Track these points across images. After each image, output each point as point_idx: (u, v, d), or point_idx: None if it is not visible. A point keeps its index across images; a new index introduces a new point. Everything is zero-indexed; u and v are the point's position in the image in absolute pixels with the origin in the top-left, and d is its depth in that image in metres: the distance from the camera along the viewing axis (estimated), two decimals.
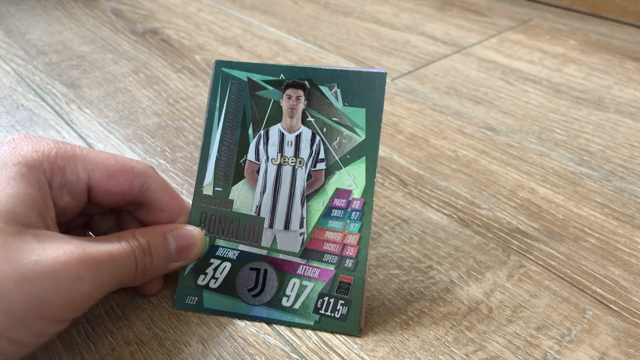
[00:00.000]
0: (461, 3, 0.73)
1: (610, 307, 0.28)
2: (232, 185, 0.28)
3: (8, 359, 0.20)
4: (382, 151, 0.40)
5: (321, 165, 0.28)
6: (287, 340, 0.26)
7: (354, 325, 0.26)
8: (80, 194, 0.25)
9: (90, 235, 0.29)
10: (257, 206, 0.28)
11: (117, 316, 0.26)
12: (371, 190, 0.27)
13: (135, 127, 0.43)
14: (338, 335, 0.26)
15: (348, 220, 0.27)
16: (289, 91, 0.28)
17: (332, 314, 0.26)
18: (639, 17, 0.66)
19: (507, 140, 0.42)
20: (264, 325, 0.26)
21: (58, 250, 0.21)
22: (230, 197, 0.28)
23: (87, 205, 0.26)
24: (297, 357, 0.25)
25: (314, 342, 0.25)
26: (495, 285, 0.29)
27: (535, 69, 0.54)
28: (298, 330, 0.26)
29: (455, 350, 0.25)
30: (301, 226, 0.27)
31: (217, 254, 0.27)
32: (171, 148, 0.40)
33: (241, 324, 0.26)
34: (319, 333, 0.26)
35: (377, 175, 0.37)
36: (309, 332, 0.26)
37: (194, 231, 0.27)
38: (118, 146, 0.40)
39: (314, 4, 0.72)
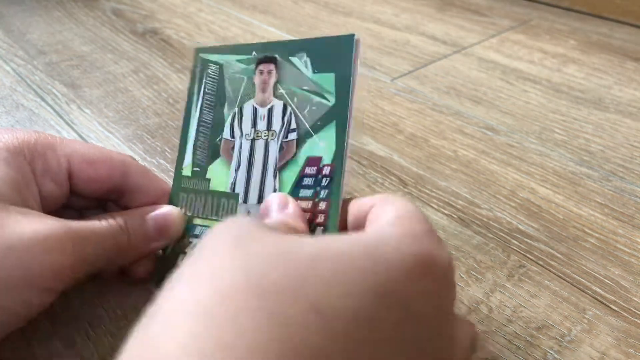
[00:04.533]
0: (461, 3, 0.73)
1: (610, 307, 0.28)
2: (209, 165, 0.28)
3: None
4: (382, 151, 0.40)
5: (292, 135, 0.27)
6: None
7: None
8: (62, 181, 0.26)
9: None
10: (232, 182, 0.28)
11: (117, 316, 0.26)
12: (341, 154, 0.25)
13: (135, 127, 0.43)
14: None
15: (318, 188, 0.26)
16: (260, 67, 0.28)
17: None
18: (639, 17, 0.66)
19: (507, 140, 0.42)
20: None
21: (43, 224, 0.22)
22: (207, 176, 0.28)
23: (71, 197, 0.27)
24: None
25: None
26: (495, 285, 0.29)
27: (535, 69, 0.54)
28: None
29: None
30: None
31: (195, 232, 0.28)
32: (171, 148, 0.40)
33: None
34: None
35: (376, 175, 0.38)
36: None
37: (172, 210, 0.27)
38: (118, 146, 0.40)
39: (314, 4, 0.72)
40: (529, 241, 0.32)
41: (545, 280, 0.29)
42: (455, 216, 0.34)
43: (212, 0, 0.72)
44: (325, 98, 0.27)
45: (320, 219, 0.25)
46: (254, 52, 0.29)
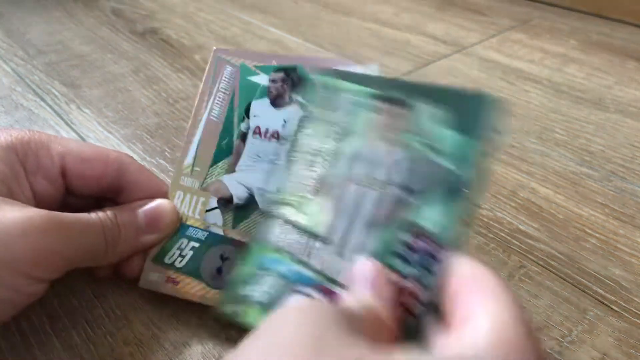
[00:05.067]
0: (462, 3, 0.73)
1: (611, 308, 0.28)
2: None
3: None
4: None
5: (409, 197, 0.23)
6: None
7: None
8: (56, 179, 0.25)
9: None
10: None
11: (116, 316, 0.26)
12: (457, 242, 0.21)
13: (134, 127, 0.43)
14: None
15: (423, 270, 0.21)
16: (385, 105, 0.24)
17: None
18: None
19: (508, 140, 0.42)
20: None
21: (26, 211, 0.22)
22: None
23: (68, 196, 0.26)
24: None
25: None
26: None
27: (535, 68, 0.54)
28: None
29: None
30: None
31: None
32: (171, 148, 0.40)
33: None
34: None
35: None
36: None
37: (163, 202, 0.27)
38: (118, 146, 0.40)
39: (314, 4, 0.72)
40: (529, 241, 0.32)
41: (545, 280, 0.29)
42: None
43: (212, 0, 0.72)
44: (453, 163, 0.22)
45: (416, 308, 0.20)
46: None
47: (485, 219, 0.33)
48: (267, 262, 0.24)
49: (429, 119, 0.22)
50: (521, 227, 0.33)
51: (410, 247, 0.21)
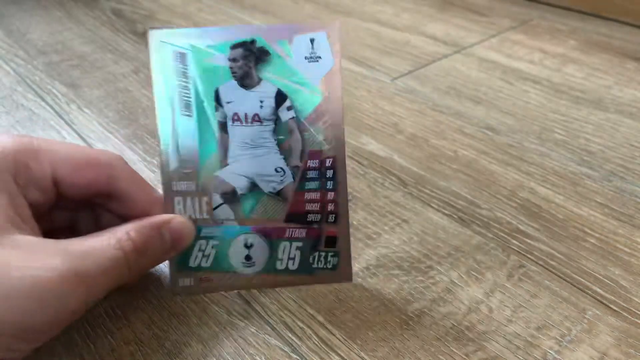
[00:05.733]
0: (461, 3, 0.73)
1: (611, 307, 0.28)
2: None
3: None
4: (383, 151, 0.40)
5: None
6: (287, 341, 0.26)
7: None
8: (48, 189, 0.25)
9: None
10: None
11: (117, 316, 0.26)
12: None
13: (135, 127, 0.43)
14: (338, 335, 0.26)
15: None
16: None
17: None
18: (639, 17, 0.66)
19: (507, 140, 0.42)
20: (264, 325, 0.26)
21: (44, 264, 0.20)
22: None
23: (60, 200, 0.26)
24: (297, 357, 0.25)
25: (314, 342, 0.25)
26: (495, 285, 0.29)
27: (535, 69, 0.54)
28: (298, 330, 0.26)
29: (455, 350, 0.25)
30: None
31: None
32: None
33: (241, 323, 0.26)
34: (319, 333, 0.26)
35: (376, 175, 0.38)
36: (309, 332, 0.26)
37: (185, 221, 0.27)
38: (118, 146, 0.40)
39: (314, 4, 0.72)
40: (529, 241, 0.32)
41: (545, 280, 0.29)
42: (455, 216, 0.34)
43: (212, 0, 0.72)
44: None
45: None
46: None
47: (485, 219, 0.33)
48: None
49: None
50: (520, 226, 0.33)
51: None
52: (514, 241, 0.32)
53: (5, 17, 0.65)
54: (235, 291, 0.28)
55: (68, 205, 0.27)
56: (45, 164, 0.24)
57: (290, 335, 0.26)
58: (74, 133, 0.42)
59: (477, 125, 0.44)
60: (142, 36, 0.60)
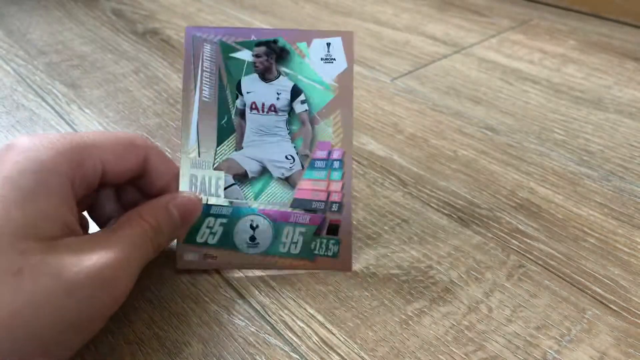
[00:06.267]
0: (461, 3, 0.73)
1: (610, 307, 0.28)
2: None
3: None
4: (382, 151, 0.40)
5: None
6: (287, 340, 0.26)
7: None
8: (94, 183, 0.25)
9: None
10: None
11: (117, 316, 0.27)
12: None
13: (135, 127, 0.43)
14: (338, 335, 0.26)
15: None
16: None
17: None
18: (639, 17, 0.66)
19: (507, 140, 0.42)
20: (264, 324, 0.26)
21: (92, 258, 0.21)
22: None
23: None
24: (297, 357, 0.25)
25: (314, 342, 0.26)
26: (494, 285, 0.29)
27: (535, 69, 0.54)
28: (298, 330, 0.26)
29: (455, 350, 0.25)
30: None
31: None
32: (171, 148, 0.40)
33: (241, 323, 0.26)
34: (319, 332, 0.26)
35: (376, 175, 0.38)
36: (309, 331, 0.26)
37: (192, 197, 0.28)
38: None
39: (314, 4, 0.72)
40: (528, 241, 0.32)
41: (544, 280, 0.29)
42: (455, 216, 0.34)
43: (212, 0, 0.72)
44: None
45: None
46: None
47: (485, 219, 0.34)
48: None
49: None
50: (520, 226, 0.33)
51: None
52: (514, 241, 0.32)
53: (6, 17, 0.65)
54: (238, 291, 0.28)
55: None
56: (96, 161, 0.24)
57: (290, 334, 0.26)
58: None
59: (477, 125, 0.44)
60: (142, 36, 0.60)
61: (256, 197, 0.29)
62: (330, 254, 0.29)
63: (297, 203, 0.29)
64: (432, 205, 0.35)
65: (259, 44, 0.29)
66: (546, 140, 0.42)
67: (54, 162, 0.22)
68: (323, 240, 0.29)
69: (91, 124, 0.43)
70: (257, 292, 0.28)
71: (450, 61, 0.56)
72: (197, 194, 0.29)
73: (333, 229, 0.29)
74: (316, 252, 0.29)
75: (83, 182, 0.24)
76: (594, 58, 0.57)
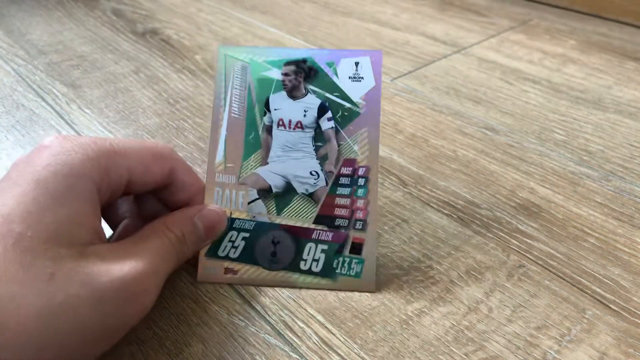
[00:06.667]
0: (461, 3, 0.73)
1: (610, 307, 0.28)
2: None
3: None
4: (382, 151, 0.40)
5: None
6: (287, 340, 0.26)
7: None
8: (119, 191, 0.25)
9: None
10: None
11: None
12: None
13: (135, 127, 0.43)
14: (338, 335, 0.26)
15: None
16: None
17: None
18: (639, 17, 0.66)
19: (507, 140, 0.42)
20: (264, 324, 0.26)
21: (123, 267, 0.22)
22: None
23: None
24: (297, 357, 0.25)
25: (314, 342, 0.26)
26: (495, 285, 0.29)
27: (534, 69, 0.54)
28: (298, 330, 0.26)
29: (455, 350, 0.25)
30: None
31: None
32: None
33: (241, 323, 0.26)
34: (319, 332, 0.26)
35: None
36: (309, 331, 0.26)
37: (217, 210, 0.28)
38: None
39: (314, 4, 0.72)
40: (528, 241, 0.32)
41: (544, 280, 0.29)
42: (455, 216, 0.34)
43: (212, 0, 0.72)
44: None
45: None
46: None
47: (485, 219, 0.34)
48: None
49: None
50: (520, 226, 0.33)
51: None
52: (514, 241, 0.32)
53: (5, 17, 0.65)
54: (238, 291, 0.28)
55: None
56: (122, 169, 0.24)
57: (290, 334, 0.26)
58: (74, 133, 0.42)
59: (477, 125, 0.44)
60: (142, 36, 0.60)
61: (279, 212, 0.29)
62: (352, 273, 0.28)
63: (320, 220, 0.29)
64: (432, 205, 0.35)
65: (288, 63, 0.30)
66: (546, 140, 0.42)
67: (83, 167, 0.22)
68: (346, 259, 0.28)
69: (91, 124, 0.43)
70: (257, 292, 0.28)
71: (450, 61, 0.56)
72: (224, 208, 0.29)
73: (356, 248, 0.28)
74: (338, 271, 0.28)
75: (108, 189, 0.24)
76: (594, 58, 0.57)
